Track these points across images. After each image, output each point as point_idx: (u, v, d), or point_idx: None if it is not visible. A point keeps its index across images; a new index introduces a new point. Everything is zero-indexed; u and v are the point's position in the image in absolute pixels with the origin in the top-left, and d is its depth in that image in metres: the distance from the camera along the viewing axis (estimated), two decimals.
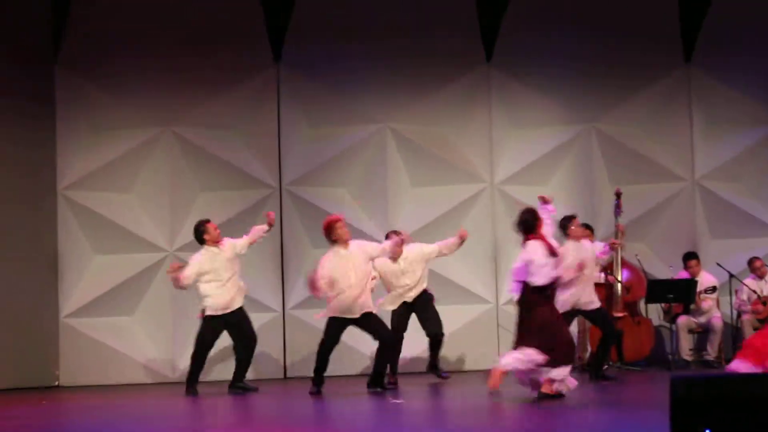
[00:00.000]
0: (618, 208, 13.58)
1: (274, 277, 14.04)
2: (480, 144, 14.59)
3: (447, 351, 13.56)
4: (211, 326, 11.75)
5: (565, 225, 11.98)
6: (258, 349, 12.17)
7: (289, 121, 14.18)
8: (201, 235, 11.81)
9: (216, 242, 11.79)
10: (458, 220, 14.30)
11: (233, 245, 11.87)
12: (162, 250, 13.75)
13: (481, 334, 14.26)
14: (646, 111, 14.93)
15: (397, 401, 10.31)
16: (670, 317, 13.97)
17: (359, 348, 13.78)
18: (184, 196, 13.88)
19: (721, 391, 5.69)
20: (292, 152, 14.19)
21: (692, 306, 13.80)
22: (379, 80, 14.35)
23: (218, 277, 11.67)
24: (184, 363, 13.58)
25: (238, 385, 11.91)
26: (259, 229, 12.07)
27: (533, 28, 14.63)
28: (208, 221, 11.93)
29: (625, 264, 13.74)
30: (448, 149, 14.49)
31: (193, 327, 13.64)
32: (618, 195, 13.69)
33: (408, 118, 14.39)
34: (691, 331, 13.96)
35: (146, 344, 13.77)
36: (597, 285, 13.56)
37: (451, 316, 13.41)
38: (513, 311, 14.16)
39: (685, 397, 5.67)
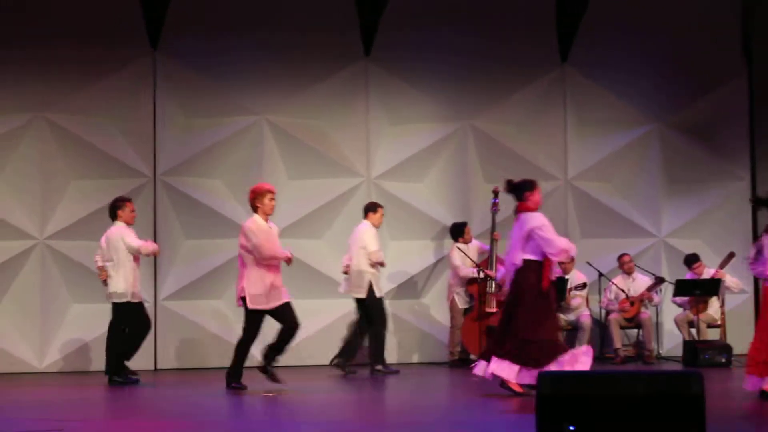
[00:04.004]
0: (495, 206, 13.82)
1: (146, 267, 13.86)
2: (357, 138, 14.60)
3: (321, 345, 13.63)
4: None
5: None
6: None
7: (164, 110, 14.02)
8: (115, 210, 12.02)
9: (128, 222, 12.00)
10: (334, 213, 14.32)
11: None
12: (32, 237, 13.48)
13: None
14: (522, 110, 15.10)
15: (270, 395, 10.27)
16: None
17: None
18: (56, 184, 13.62)
19: (586, 388, 5.79)
20: (168, 142, 14.02)
21: (562, 303, 14.01)
22: (256, 72, 14.26)
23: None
24: (52, 353, 13.39)
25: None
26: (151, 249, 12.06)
27: (412, 24, 14.68)
28: (129, 200, 12.16)
29: (499, 261, 13.90)
30: (325, 143, 14.48)
31: (62, 317, 13.47)
32: (495, 193, 13.87)
33: (285, 110, 14.34)
34: (560, 328, 14.16)
35: (12, 334, 13.46)
36: (470, 281, 13.80)
37: (323, 310, 13.45)
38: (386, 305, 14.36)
39: (551, 393, 5.75)
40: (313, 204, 14.19)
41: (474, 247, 14.06)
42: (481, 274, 13.68)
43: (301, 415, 9.07)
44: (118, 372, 11.68)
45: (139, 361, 12.42)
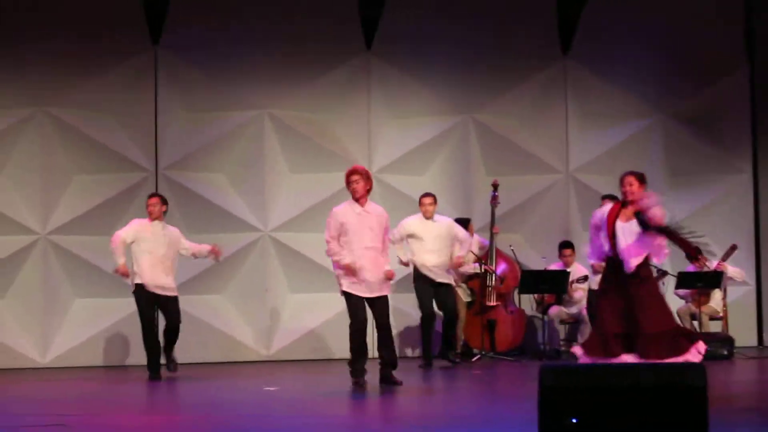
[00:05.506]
0: (495, 199, 13.80)
1: None
2: (358, 132, 14.59)
3: (331, 338, 13.68)
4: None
5: None
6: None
7: (166, 104, 14.01)
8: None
9: (154, 218, 11.76)
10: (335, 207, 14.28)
11: (179, 238, 11.91)
12: (34, 232, 13.47)
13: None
14: (523, 103, 15.10)
15: (271, 389, 10.27)
16: (543, 308, 14.15)
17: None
18: (57, 178, 13.61)
19: (588, 380, 5.78)
20: (169, 136, 14.01)
21: (564, 297, 14.00)
22: (258, 66, 14.25)
23: (151, 249, 11.63)
24: (54, 349, 13.38)
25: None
26: (204, 250, 12.02)
27: (414, 17, 14.68)
28: (153, 195, 12.02)
29: (499, 254, 13.90)
30: (327, 136, 14.47)
31: (64, 312, 13.46)
32: (495, 186, 13.87)
33: (287, 104, 14.33)
34: (562, 321, 14.16)
35: (15, 329, 13.45)
36: (471, 276, 13.80)
37: (331, 302, 13.42)
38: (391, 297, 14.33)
39: (554, 386, 5.75)
40: (315, 198, 14.16)
41: (475, 241, 14.04)
42: (482, 269, 13.67)
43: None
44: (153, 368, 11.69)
45: (137, 356, 12.43)
